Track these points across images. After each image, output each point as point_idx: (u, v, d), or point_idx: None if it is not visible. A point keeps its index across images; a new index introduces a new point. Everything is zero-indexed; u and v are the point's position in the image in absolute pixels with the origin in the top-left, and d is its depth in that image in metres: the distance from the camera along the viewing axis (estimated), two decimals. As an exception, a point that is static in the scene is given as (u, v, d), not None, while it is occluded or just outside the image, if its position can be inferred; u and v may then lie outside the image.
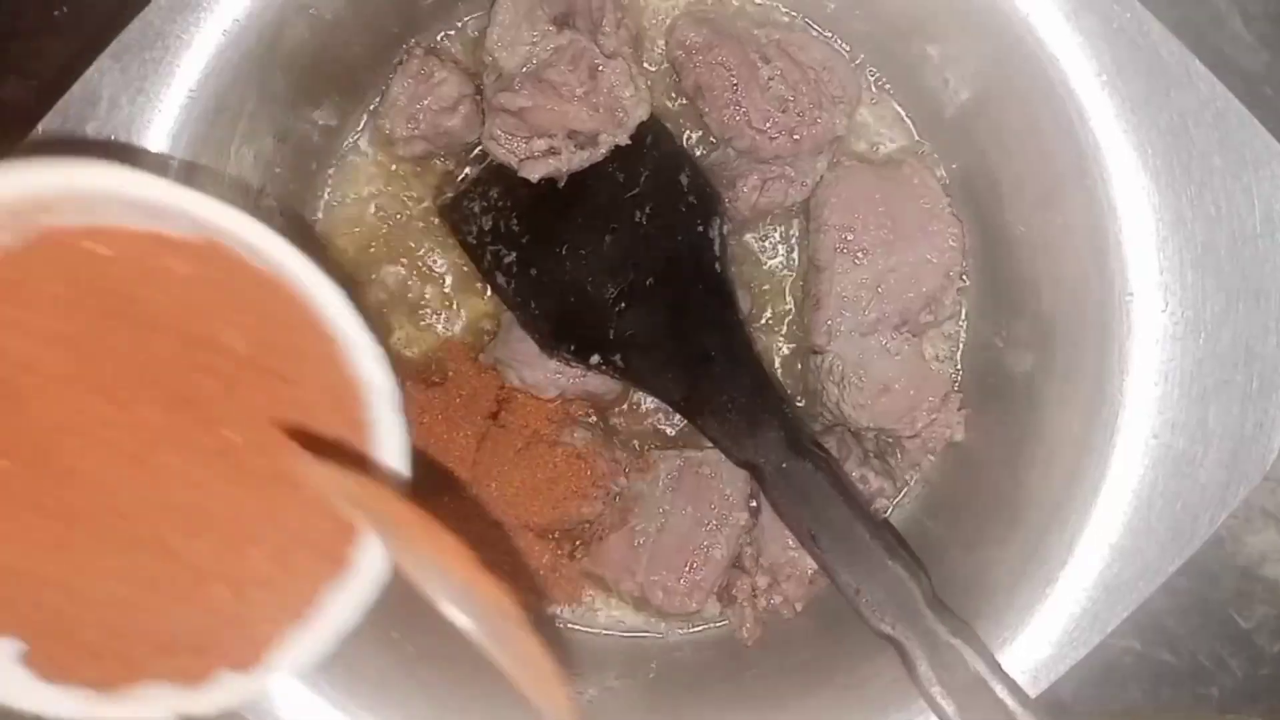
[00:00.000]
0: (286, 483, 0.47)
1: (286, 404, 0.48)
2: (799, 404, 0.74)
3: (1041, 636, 0.59)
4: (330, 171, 0.73)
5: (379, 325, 0.73)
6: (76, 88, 0.58)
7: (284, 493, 0.47)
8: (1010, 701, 0.57)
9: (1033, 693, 0.59)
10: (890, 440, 0.72)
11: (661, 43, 0.73)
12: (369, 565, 0.49)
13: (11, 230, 0.44)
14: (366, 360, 0.48)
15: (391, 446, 0.50)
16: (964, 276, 0.72)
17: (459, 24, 0.73)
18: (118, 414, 0.45)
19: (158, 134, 0.59)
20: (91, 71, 0.57)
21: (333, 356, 0.48)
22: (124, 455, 0.45)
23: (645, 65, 0.73)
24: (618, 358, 0.68)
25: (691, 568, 0.71)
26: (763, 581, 0.71)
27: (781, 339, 0.74)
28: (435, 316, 0.74)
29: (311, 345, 0.48)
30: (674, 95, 0.74)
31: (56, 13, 0.82)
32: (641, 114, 0.67)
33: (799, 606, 0.71)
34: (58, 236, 0.44)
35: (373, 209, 0.74)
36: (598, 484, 0.69)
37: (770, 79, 0.69)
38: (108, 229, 0.45)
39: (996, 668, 0.58)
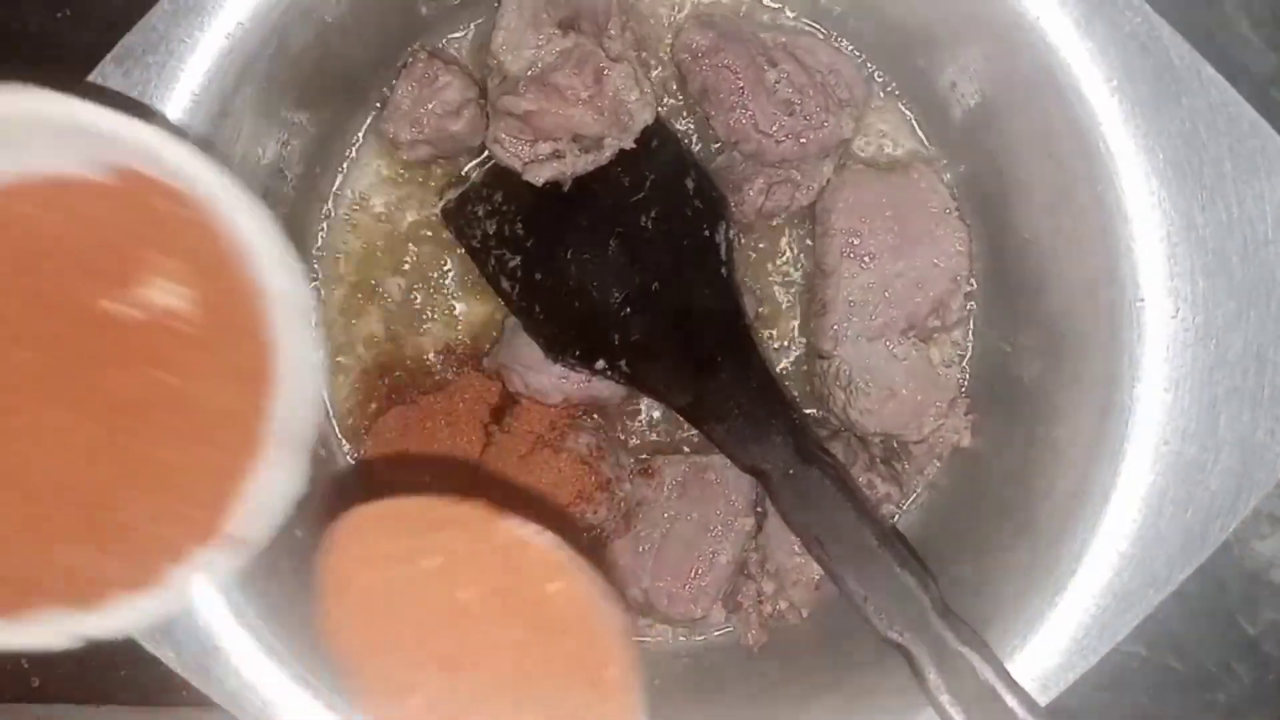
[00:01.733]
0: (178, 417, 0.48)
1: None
2: (805, 410, 0.73)
3: (1051, 645, 0.59)
4: (334, 176, 0.73)
5: (380, 329, 0.73)
6: (79, 93, 0.57)
7: (176, 424, 0.48)
8: (1020, 710, 0.57)
9: (1042, 701, 0.58)
10: (897, 446, 0.72)
11: (668, 46, 0.72)
12: (272, 480, 0.49)
13: None
14: (275, 270, 0.48)
15: (299, 359, 0.49)
16: (971, 281, 0.71)
17: (463, 27, 0.73)
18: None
19: (161, 139, 0.58)
20: (94, 76, 0.57)
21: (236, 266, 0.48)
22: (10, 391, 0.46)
23: (651, 68, 0.72)
24: (623, 363, 0.68)
25: (697, 574, 0.70)
26: (769, 587, 0.71)
27: (788, 344, 0.74)
28: (438, 321, 0.73)
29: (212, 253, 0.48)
30: (679, 97, 0.73)
31: (59, 15, 0.82)
32: (647, 118, 0.67)
33: (805, 612, 0.71)
34: None
35: (376, 213, 0.73)
36: (602, 489, 0.69)
37: (777, 82, 0.69)
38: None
39: (1006, 676, 0.58)
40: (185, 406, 0.48)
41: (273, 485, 0.49)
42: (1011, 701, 0.57)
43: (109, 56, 0.57)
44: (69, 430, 0.47)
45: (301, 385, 0.49)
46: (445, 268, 0.73)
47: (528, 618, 0.49)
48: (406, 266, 0.73)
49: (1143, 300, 0.58)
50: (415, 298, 0.73)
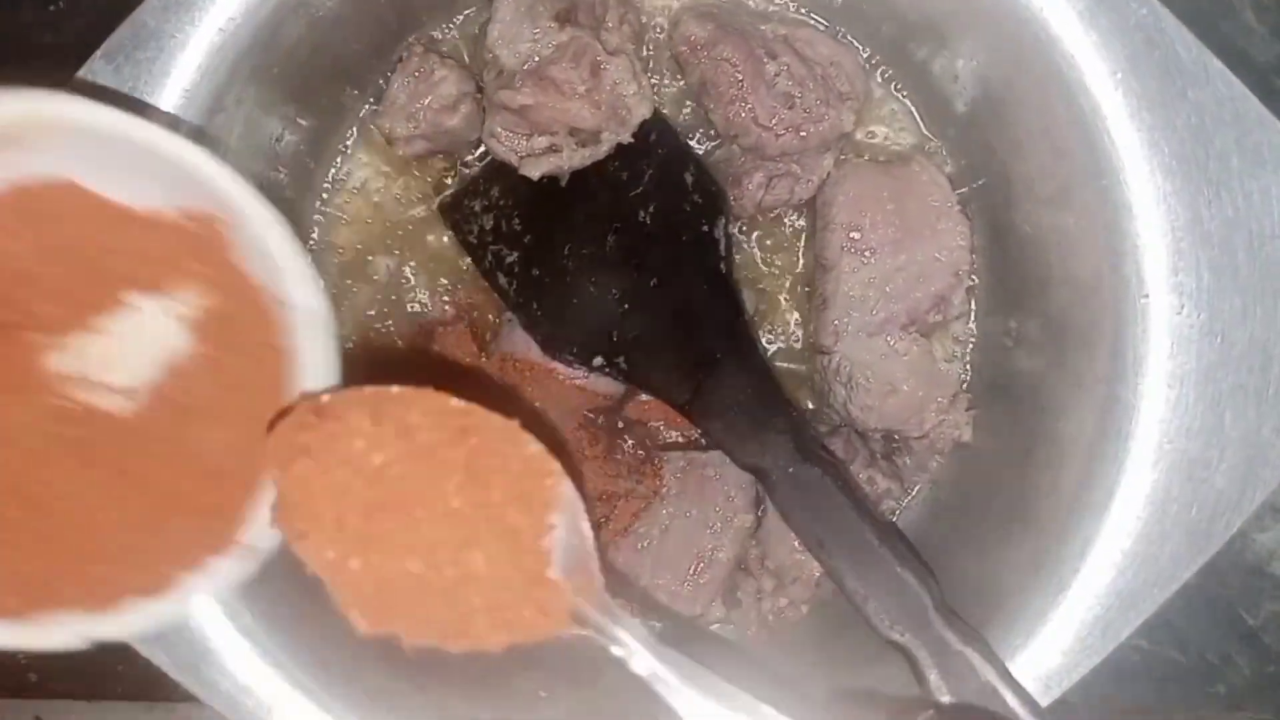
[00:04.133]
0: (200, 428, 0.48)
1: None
2: (805, 405, 0.73)
3: (1053, 645, 0.58)
4: (328, 172, 0.72)
5: (376, 327, 0.73)
6: (69, 89, 0.56)
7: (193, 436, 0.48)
8: (1022, 711, 0.56)
9: (1044, 702, 0.58)
10: (898, 441, 0.72)
11: (665, 38, 0.72)
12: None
13: None
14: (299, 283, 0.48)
15: (319, 371, 0.49)
16: (973, 275, 0.71)
17: (459, 20, 0.72)
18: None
19: (152, 135, 0.57)
20: (83, 72, 0.56)
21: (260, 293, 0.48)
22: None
23: (648, 61, 0.72)
24: (621, 360, 0.67)
25: (696, 570, 0.70)
26: (768, 584, 0.70)
27: (788, 339, 0.73)
28: (433, 317, 0.73)
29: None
30: (678, 90, 0.73)
31: (52, 7, 0.81)
32: (644, 111, 0.66)
33: (805, 609, 0.70)
34: None
35: (371, 209, 0.72)
36: (601, 487, 0.68)
37: (776, 75, 0.68)
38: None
39: (1008, 677, 0.57)
40: (203, 421, 0.48)
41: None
42: (1014, 702, 0.57)
43: (98, 52, 0.56)
44: None
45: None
46: (441, 263, 0.73)
47: (461, 473, 0.48)
48: (402, 261, 0.72)
49: (1147, 296, 0.57)
50: (409, 293, 0.72)
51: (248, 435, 0.48)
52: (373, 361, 0.72)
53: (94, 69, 0.56)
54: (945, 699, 0.57)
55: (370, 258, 0.72)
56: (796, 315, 0.73)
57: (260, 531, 0.49)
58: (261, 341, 0.48)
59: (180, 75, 0.57)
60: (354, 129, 0.72)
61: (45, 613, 0.46)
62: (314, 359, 0.49)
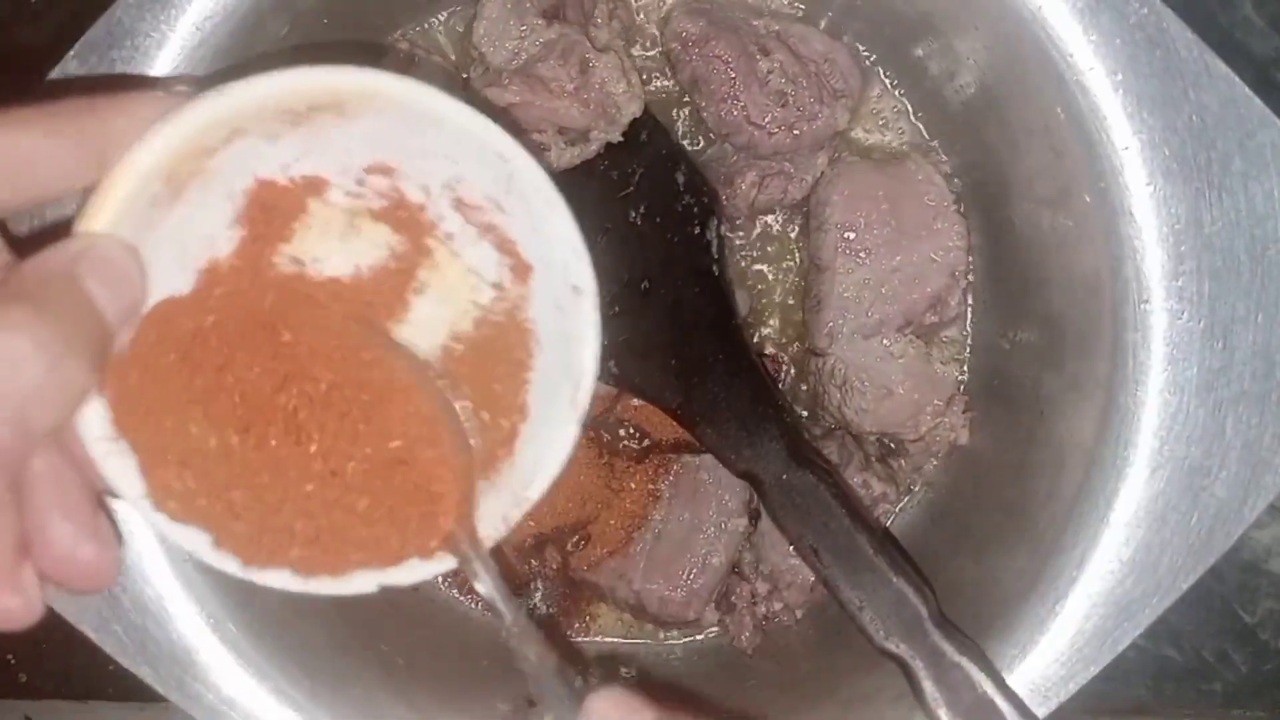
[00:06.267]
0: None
1: None
2: (798, 408, 0.72)
3: (1051, 655, 0.57)
4: (312, 170, 0.71)
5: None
6: (41, 89, 0.55)
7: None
8: (1019, 724, 0.56)
9: (1041, 713, 0.57)
10: (893, 444, 0.71)
11: (656, 34, 0.70)
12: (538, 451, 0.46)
13: None
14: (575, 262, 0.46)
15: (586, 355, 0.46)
16: (970, 276, 0.70)
17: (443, 16, 0.70)
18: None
19: (128, 137, 0.56)
20: (56, 72, 0.55)
21: None
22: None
23: (639, 57, 0.70)
24: (612, 364, 0.66)
25: (689, 575, 0.69)
26: (763, 588, 0.70)
27: (781, 342, 0.72)
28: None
29: None
30: (669, 88, 0.71)
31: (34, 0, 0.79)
32: (634, 110, 0.65)
33: (800, 614, 0.70)
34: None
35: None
36: (591, 491, 0.68)
37: (769, 72, 0.67)
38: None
39: (1005, 688, 0.57)
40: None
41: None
42: (1011, 714, 0.56)
43: (71, 53, 0.54)
44: None
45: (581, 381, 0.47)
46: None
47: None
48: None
49: (1148, 301, 0.56)
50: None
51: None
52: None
53: (67, 69, 0.55)
54: (941, 710, 0.56)
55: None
56: (790, 317, 0.72)
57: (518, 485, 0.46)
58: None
59: (156, 75, 0.56)
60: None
61: (346, 573, 0.44)
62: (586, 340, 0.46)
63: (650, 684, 0.71)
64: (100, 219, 0.39)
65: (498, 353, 0.46)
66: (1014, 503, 0.64)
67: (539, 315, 0.46)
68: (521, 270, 0.46)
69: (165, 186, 0.40)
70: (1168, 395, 0.56)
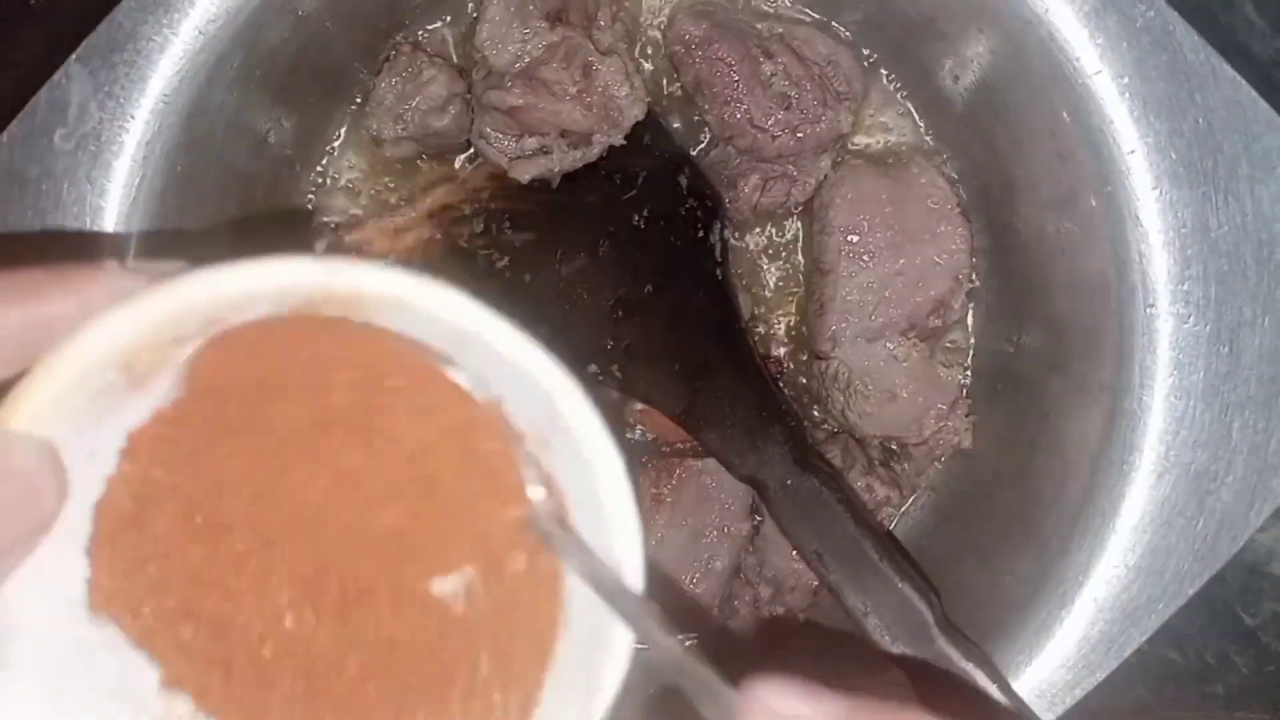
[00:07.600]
0: None
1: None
2: (803, 414, 0.72)
3: (1057, 661, 0.57)
4: (314, 175, 0.71)
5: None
6: (43, 93, 0.55)
7: None
8: (1026, 729, 0.56)
9: (1047, 719, 0.57)
10: (897, 448, 0.71)
11: (659, 37, 0.70)
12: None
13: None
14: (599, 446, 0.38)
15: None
16: (973, 279, 0.69)
17: (447, 19, 0.70)
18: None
19: (130, 142, 0.55)
20: (58, 77, 0.54)
21: None
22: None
23: (641, 60, 0.70)
24: (615, 368, 0.66)
25: (692, 581, 0.69)
26: (765, 592, 0.69)
27: (784, 345, 0.72)
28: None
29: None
30: (671, 92, 0.71)
31: (33, 1, 0.79)
32: (637, 113, 0.65)
33: (803, 618, 0.69)
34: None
35: (358, 212, 0.71)
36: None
37: (773, 75, 0.67)
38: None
39: (1011, 694, 0.56)
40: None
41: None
42: (1017, 720, 0.56)
43: (73, 58, 0.54)
44: None
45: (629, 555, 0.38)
46: (430, 267, 0.71)
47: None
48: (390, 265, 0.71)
49: (1153, 305, 0.56)
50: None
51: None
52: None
53: (70, 73, 0.55)
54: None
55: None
56: (793, 321, 0.72)
57: None
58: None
59: (159, 80, 0.55)
60: (340, 130, 0.71)
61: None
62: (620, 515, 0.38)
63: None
64: (21, 415, 0.33)
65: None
66: (1019, 507, 0.63)
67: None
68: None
69: (120, 375, 0.34)
70: (1174, 400, 0.56)
